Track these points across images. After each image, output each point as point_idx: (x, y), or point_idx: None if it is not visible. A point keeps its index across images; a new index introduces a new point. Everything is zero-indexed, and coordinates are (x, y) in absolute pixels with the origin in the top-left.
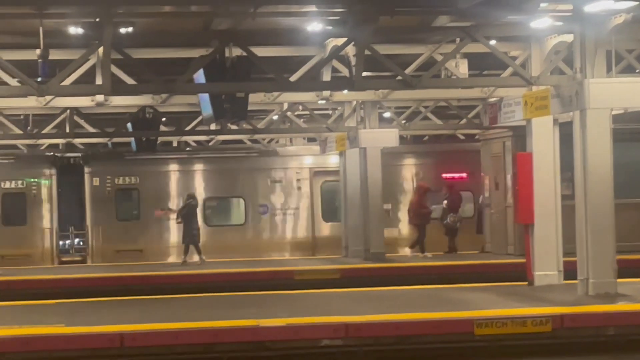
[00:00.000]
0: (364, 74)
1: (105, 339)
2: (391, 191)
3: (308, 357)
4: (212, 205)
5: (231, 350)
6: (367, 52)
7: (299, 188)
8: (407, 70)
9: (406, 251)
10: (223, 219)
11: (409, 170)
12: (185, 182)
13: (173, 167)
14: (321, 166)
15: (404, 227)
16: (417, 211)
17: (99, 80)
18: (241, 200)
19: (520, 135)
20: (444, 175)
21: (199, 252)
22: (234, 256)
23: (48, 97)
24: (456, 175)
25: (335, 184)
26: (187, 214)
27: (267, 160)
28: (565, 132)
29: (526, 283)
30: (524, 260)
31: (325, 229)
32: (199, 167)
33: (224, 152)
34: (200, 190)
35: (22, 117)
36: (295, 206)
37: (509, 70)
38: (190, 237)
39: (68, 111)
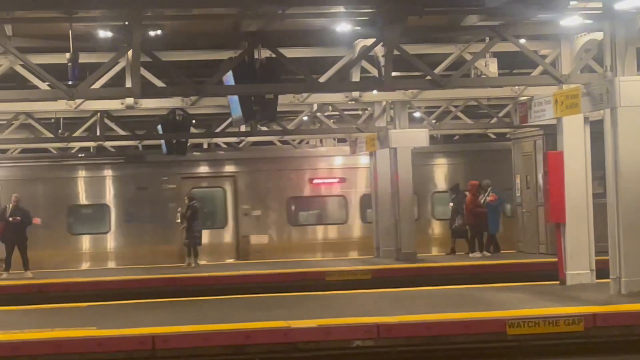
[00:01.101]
0: (393, 74)
1: (136, 342)
2: (261, 197)
3: (340, 358)
4: (77, 213)
5: (263, 351)
6: (396, 52)
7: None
8: (437, 70)
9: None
10: (87, 227)
11: (284, 175)
12: (49, 189)
13: (36, 174)
14: (191, 172)
15: (274, 233)
16: (473, 210)
17: (128, 83)
18: (106, 208)
19: (551, 134)
20: (314, 181)
21: (196, 255)
22: (98, 265)
23: (78, 101)
24: (326, 181)
25: (206, 190)
26: (190, 216)
27: (133, 166)
28: (596, 130)
29: (558, 282)
30: (555, 260)
31: None
32: (63, 174)
33: (90, 159)
34: (63, 198)
35: (52, 120)
36: (163, 213)
37: (539, 68)
38: (192, 239)
39: (98, 114)
